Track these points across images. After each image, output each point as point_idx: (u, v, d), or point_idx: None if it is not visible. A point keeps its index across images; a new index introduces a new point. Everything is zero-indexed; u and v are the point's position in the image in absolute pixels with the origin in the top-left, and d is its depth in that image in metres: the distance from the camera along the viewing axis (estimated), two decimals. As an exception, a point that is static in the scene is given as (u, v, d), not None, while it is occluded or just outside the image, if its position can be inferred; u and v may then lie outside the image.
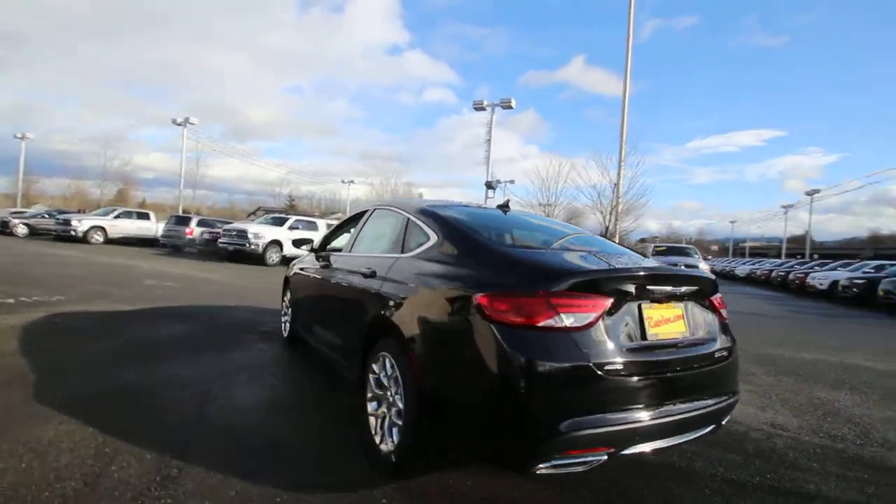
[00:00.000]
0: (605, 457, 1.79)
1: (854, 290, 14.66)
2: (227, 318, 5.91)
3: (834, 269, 18.85)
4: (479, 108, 19.43)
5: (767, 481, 2.46)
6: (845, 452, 2.91)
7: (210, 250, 16.78)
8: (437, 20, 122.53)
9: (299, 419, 2.92)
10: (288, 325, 4.69)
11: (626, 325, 1.92)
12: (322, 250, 4.15)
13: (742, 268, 30.55)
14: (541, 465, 1.74)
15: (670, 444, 1.98)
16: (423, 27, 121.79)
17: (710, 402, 2.08)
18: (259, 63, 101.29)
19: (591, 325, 1.81)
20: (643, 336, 1.95)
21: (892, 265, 15.98)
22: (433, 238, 2.45)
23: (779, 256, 42.38)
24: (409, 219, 2.78)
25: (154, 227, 20.78)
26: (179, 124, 30.69)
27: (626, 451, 1.84)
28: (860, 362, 5.73)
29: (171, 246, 18.84)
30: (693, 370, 2.04)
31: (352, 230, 3.69)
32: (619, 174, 17.49)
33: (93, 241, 18.47)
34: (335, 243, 4.24)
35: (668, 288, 2.08)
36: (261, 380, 3.61)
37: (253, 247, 14.82)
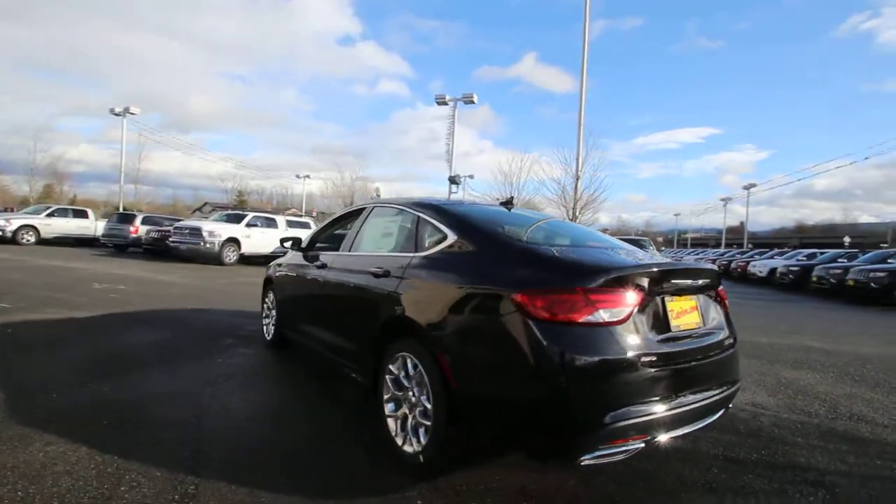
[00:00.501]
0: (643, 444, 1.86)
1: (790, 276, 15.92)
2: (197, 323, 5.60)
3: (771, 257, 20.38)
4: (441, 102, 19.41)
5: (764, 457, 2.64)
6: (821, 427, 3.17)
7: (158, 250, 15.83)
8: (388, 10, 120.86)
9: (307, 424, 2.83)
10: (272, 327, 4.52)
11: (654, 317, 2.00)
12: (311, 249, 4.02)
13: (688, 258, 32.37)
14: (585, 457, 1.78)
15: (691, 430, 2.08)
16: (375, 17, 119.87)
17: (722, 388, 2.20)
18: (201, 50, 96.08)
19: (626, 318, 1.86)
20: (668, 328, 2.04)
21: (822, 253, 17.50)
22: (451, 236, 2.43)
23: (718, 246, 45.29)
24: (418, 217, 2.74)
25: (93, 225, 19.34)
26: (118, 114, 28.54)
27: (657, 439, 1.92)
28: (809, 343, 6.24)
29: (113, 246, 17.61)
30: (708, 359, 2.15)
31: (346, 228, 3.59)
32: (577, 170, 18.04)
33: (23, 241, 16.94)
34: (326, 241, 4.12)
35: (688, 281, 2.18)
36: (254, 386, 3.46)
37: (208, 245, 14.12)
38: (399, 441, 2.37)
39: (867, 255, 14.07)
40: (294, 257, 4.23)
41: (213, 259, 14.26)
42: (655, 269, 2.04)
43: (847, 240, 39.31)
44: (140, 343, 4.44)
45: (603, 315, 1.82)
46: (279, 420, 2.88)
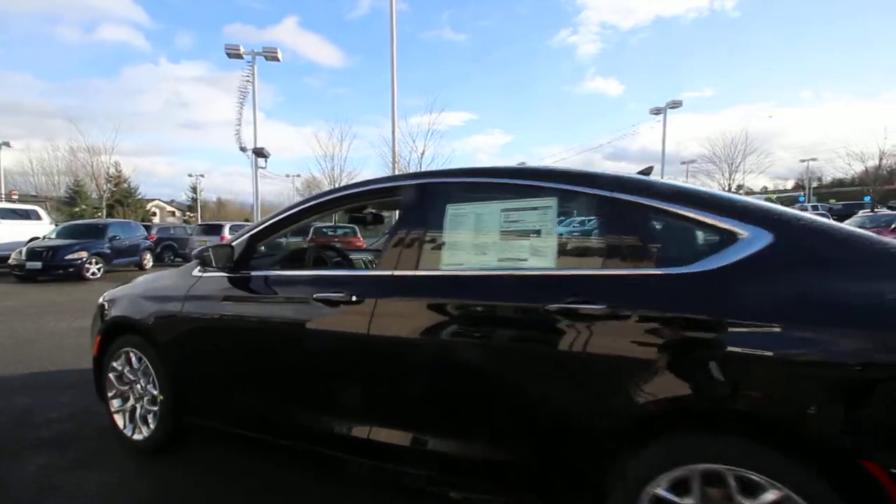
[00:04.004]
0: None
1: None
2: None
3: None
4: (234, 55, 15.15)
5: None
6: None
7: None
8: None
9: None
10: (155, 415, 2.41)
11: None
12: (245, 266, 2.19)
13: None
14: None
15: None
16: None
17: None
18: None
19: None
20: None
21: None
22: (757, 236, 1.35)
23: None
24: (616, 200, 1.53)
25: None
26: None
27: None
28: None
29: None
30: None
31: (342, 230, 1.98)
32: (393, 144, 17.39)
33: None
34: (290, 254, 2.31)
35: None
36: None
37: None
38: None
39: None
40: (201, 285, 2.27)
41: None
42: None
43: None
44: None
45: None
46: None
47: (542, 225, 1.64)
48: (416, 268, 1.76)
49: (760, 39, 67.79)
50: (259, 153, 15.08)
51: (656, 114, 22.71)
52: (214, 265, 2.16)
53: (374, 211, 2.83)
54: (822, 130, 59.32)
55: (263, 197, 19.45)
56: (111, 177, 36.32)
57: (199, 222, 25.95)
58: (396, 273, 1.77)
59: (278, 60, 15.27)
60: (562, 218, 1.67)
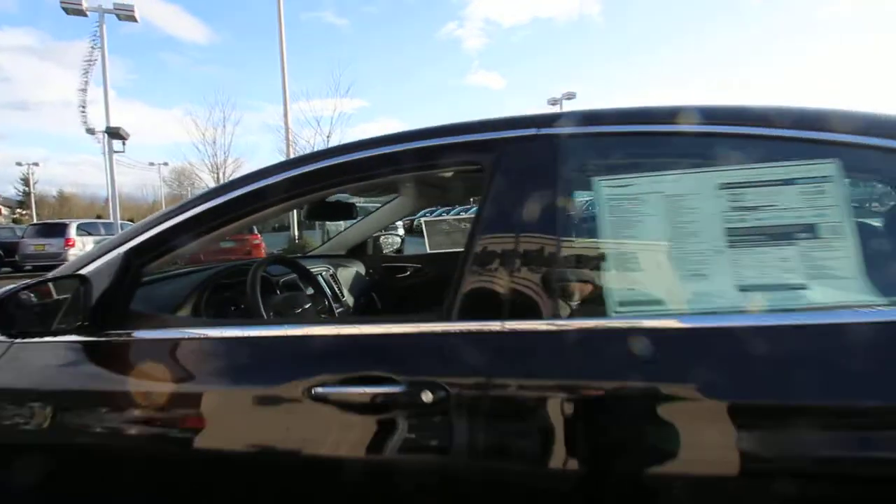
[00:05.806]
0: None
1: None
2: None
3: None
4: (73, 10, 11.68)
5: None
6: None
7: None
8: None
9: None
10: None
11: None
12: (119, 318, 1.03)
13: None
14: None
15: None
16: None
17: None
18: None
19: None
20: None
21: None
22: None
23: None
24: None
25: None
26: None
27: None
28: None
29: None
30: None
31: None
32: (286, 122, 15.50)
33: None
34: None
35: None
36: None
37: None
38: None
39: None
40: (14, 362, 1.00)
41: None
42: None
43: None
44: None
45: None
46: None
47: (821, 214, 0.81)
48: (556, 314, 0.82)
49: (619, 43, 75.57)
50: (114, 134, 12.02)
51: (553, 104, 23.63)
52: (42, 321, 0.98)
53: (347, 200, 1.77)
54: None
55: (121, 188, 16.19)
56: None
57: (34, 221, 21.07)
58: (510, 326, 0.81)
59: (134, 21, 12.24)
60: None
